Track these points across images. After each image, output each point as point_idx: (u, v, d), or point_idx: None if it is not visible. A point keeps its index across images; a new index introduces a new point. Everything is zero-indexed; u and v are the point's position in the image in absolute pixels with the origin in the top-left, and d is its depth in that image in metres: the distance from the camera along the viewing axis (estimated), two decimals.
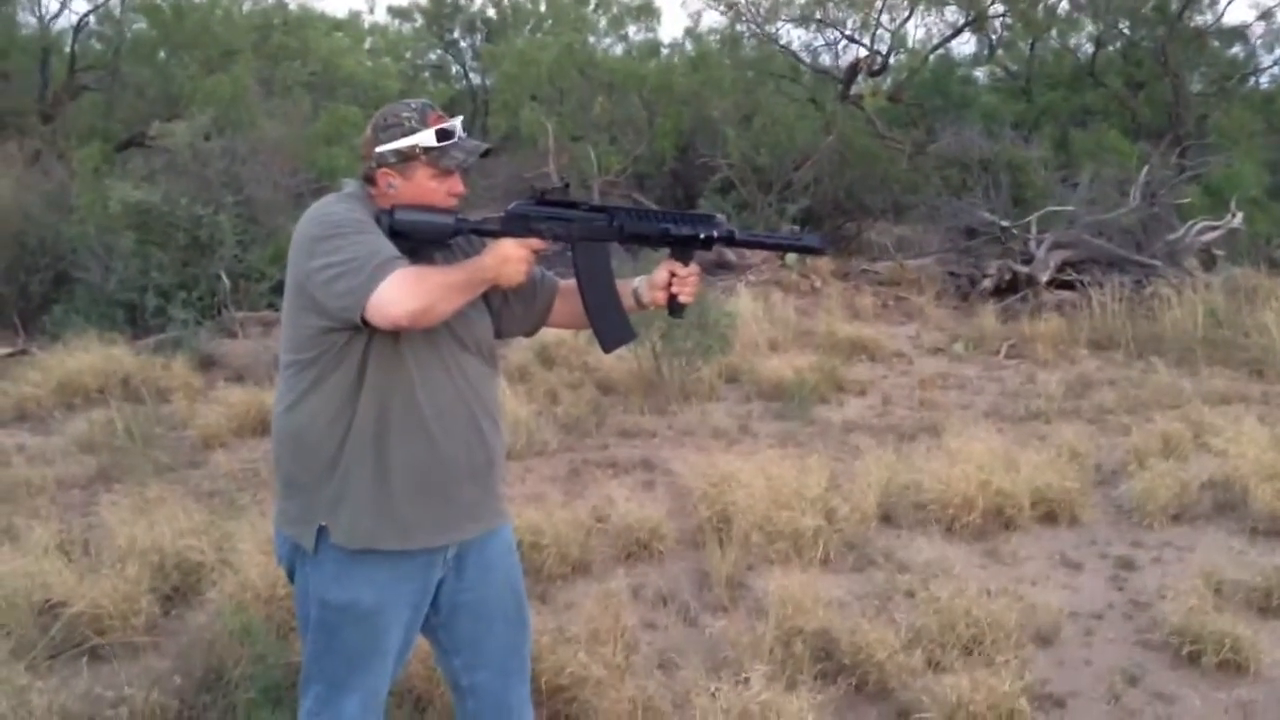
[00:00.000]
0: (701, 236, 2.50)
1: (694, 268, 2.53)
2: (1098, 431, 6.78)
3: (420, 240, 2.35)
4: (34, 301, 10.08)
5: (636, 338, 2.62)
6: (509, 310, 2.62)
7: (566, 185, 2.53)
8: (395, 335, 2.27)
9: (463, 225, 2.38)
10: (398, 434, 2.33)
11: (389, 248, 2.25)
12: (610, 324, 2.53)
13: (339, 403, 2.32)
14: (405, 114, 2.38)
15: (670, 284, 2.53)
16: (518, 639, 2.64)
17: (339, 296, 2.20)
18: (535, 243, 2.37)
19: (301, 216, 2.37)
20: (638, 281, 2.60)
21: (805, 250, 2.86)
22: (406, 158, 2.36)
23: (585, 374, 8.16)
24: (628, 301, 2.57)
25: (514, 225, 2.37)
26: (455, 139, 2.37)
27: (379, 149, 2.37)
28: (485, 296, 2.48)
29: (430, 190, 2.38)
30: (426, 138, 2.35)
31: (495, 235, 2.36)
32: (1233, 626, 3.91)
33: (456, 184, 2.42)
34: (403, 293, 2.16)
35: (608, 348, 2.57)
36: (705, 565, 4.63)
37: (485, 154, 2.45)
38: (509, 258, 2.31)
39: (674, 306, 2.56)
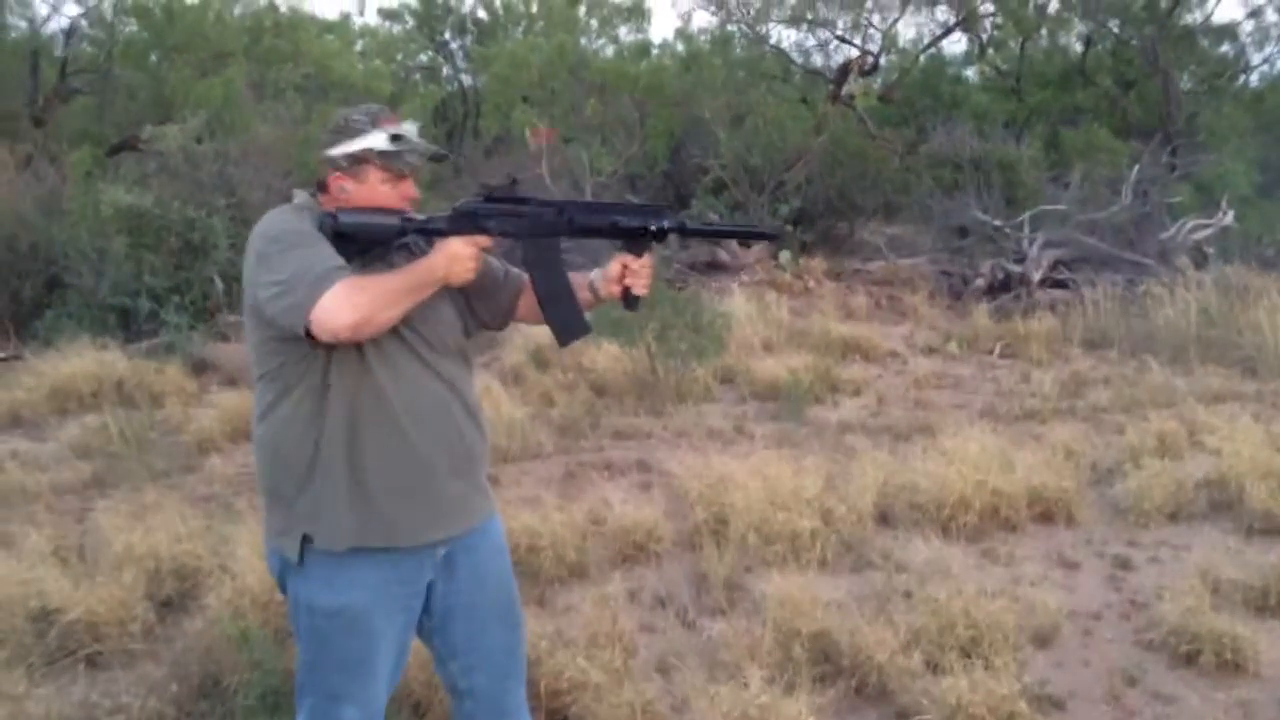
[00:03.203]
0: (651, 228, 2.48)
1: (646, 260, 2.51)
2: (1092, 430, 6.79)
3: (367, 241, 2.34)
4: (26, 306, 10.04)
5: (592, 331, 2.61)
6: (475, 307, 2.61)
7: (514, 181, 2.51)
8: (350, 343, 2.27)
9: (409, 225, 2.37)
10: (370, 437, 2.33)
11: (328, 259, 2.24)
12: (564, 318, 2.52)
13: (308, 410, 2.32)
14: (356, 117, 2.38)
15: (624, 276, 2.52)
16: (512, 640, 2.63)
17: (283, 314, 2.21)
18: (483, 240, 2.36)
19: (251, 233, 2.36)
20: (594, 274, 2.59)
21: (759, 237, 2.87)
22: (358, 161, 2.36)
23: (580, 375, 8.15)
24: (584, 294, 2.57)
25: (461, 223, 2.36)
26: (407, 142, 2.37)
27: (330, 153, 2.37)
28: (451, 294, 2.47)
29: (383, 194, 2.38)
30: (378, 140, 2.35)
31: (443, 234, 2.35)
32: (1230, 626, 3.91)
33: (409, 188, 2.42)
34: (340, 306, 2.16)
35: (563, 341, 2.55)
36: (702, 567, 4.62)
37: (440, 159, 2.45)
38: (457, 255, 2.31)
39: (628, 299, 2.54)
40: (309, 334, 2.19)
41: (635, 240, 2.50)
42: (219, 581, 4.10)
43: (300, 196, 2.44)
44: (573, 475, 6.00)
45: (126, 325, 9.46)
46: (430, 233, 2.38)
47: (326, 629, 2.38)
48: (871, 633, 3.81)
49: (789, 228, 13.36)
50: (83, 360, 7.93)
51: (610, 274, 2.53)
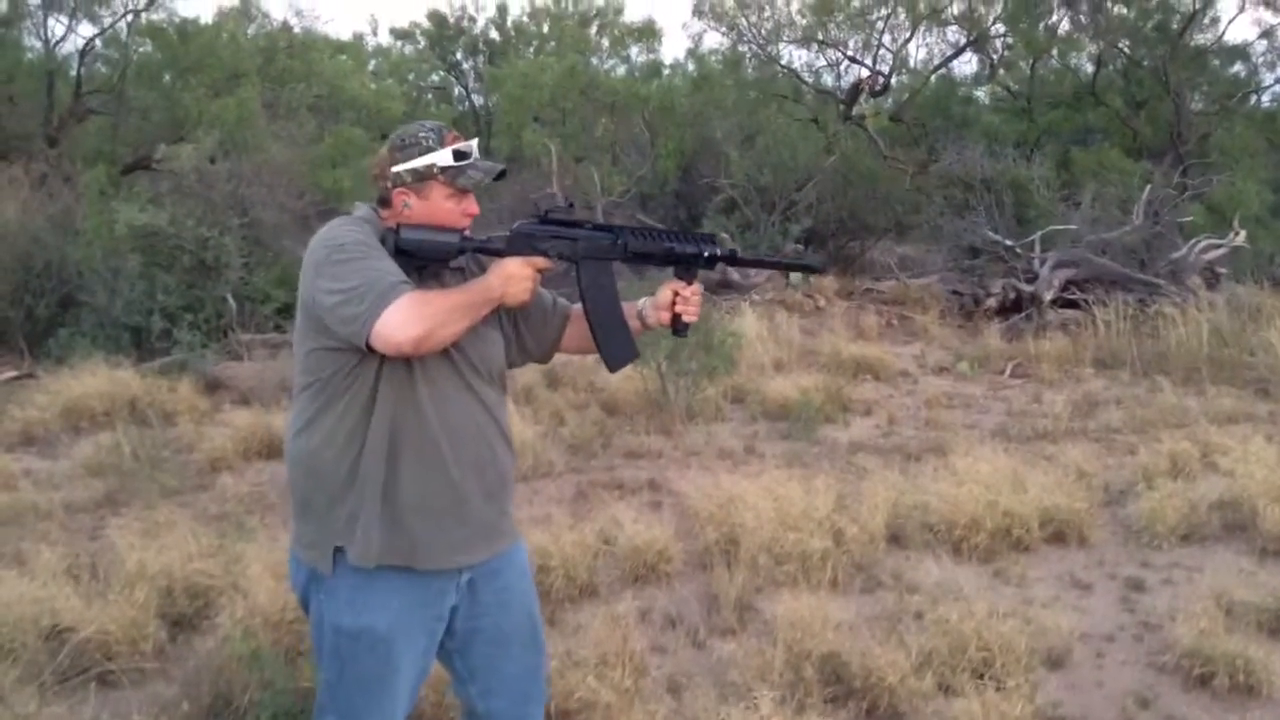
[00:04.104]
0: (705, 255, 2.51)
1: (697, 286, 2.54)
2: (1104, 451, 6.77)
3: (425, 258, 2.36)
4: (40, 325, 10.07)
5: (640, 356, 2.62)
6: (523, 336, 2.63)
7: (571, 205, 2.54)
8: (407, 357, 2.28)
9: (467, 244, 2.39)
10: (409, 454, 2.34)
11: (393, 272, 2.26)
12: (616, 343, 2.53)
13: (352, 423, 2.33)
14: (422, 134, 2.40)
15: (674, 303, 2.54)
16: (534, 663, 2.63)
17: (345, 323, 2.22)
18: (540, 261, 2.38)
19: (311, 239, 2.38)
20: (642, 302, 2.61)
21: (806, 269, 2.90)
22: (423, 177, 2.38)
23: (591, 395, 8.16)
24: (632, 322, 2.59)
25: (519, 244, 2.39)
26: (471, 159, 2.39)
27: (396, 168, 2.39)
28: (499, 322, 2.49)
29: (446, 210, 2.40)
30: (444, 157, 2.37)
31: (500, 254, 2.38)
32: (1244, 648, 3.89)
33: (471, 204, 2.44)
34: (405, 319, 2.18)
35: (613, 367, 2.57)
36: (713, 587, 4.62)
37: (500, 175, 2.46)
38: (514, 276, 2.33)
39: (678, 326, 2.56)
40: (368, 345, 2.21)
41: (687, 267, 2.53)
42: (231, 600, 4.11)
43: (362, 209, 2.46)
44: (584, 494, 6.00)
45: (139, 344, 9.49)
46: (488, 252, 2.40)
47: (349, 648, 2.39)
48: (883, 654, 3.80)
49: (799, 246, 13.38)
50: (95, 379, 7.96)
51: (661, 301, 2.55)
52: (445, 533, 2.39)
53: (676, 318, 2.55)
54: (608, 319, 2.52)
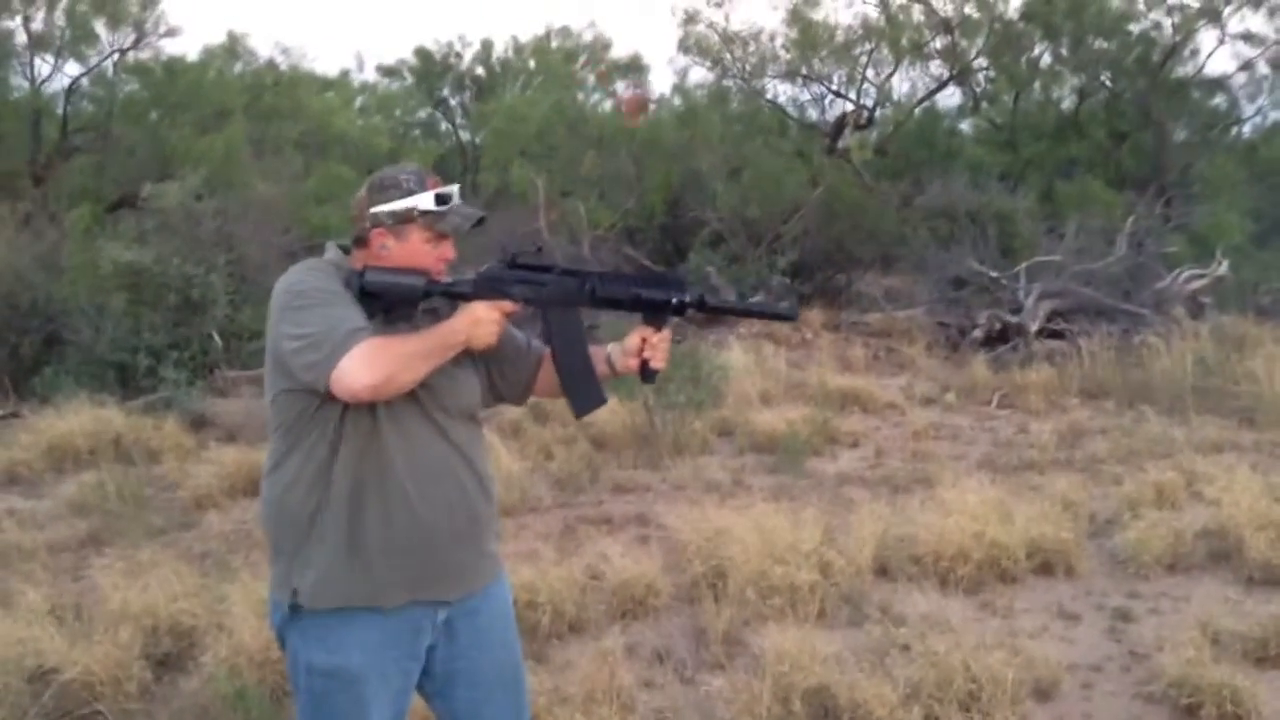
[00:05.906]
0: (674, 302, 2.48)
1: (666, 334, 2.51)
2: (1091, 481, 6.77)
3: (392, 301, 2.35)
4: (24, 363, 10.05)
5: (607, 402, 2.60)
6: (494, 378, 2.60)
7: (539, 249, 2.53)
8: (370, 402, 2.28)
9: (434, 287, 2.37)
10: (373, 497, 2.32)
11: (353, 319, 2.24)
12: (583, 389, 2.51)
13: (316, 466, 2.32)
14: (403, 176, 2.38)
15: (642, 350, 2.51)
16: (517, 706, 2.59)
17: (305, 369, 2.22)
18: (507, 305, 2.37)
19: (276, 283, 2.37)
20: (611, 347, 2.58)
21: (777, 317, 2.86)
22: (403, 219, 2.36)
23: (578, 429, 8.14)
24: (600, 367, 2.56)
25: (485, 288, 2.37)
26: (452, 204, 2.39)
27: (375, 210, 2.37)
28: (474, 363, 2.48)
29: (423, 254, 2.38)
30: (425, 200, 2.36)
31: (467, 298, 2.36)
32: (1231, 678, 3.88)
33: (449, 249, 2.43)
34: (362, 366, 2.17)
35: (579, 413, 2.55)
36: (701, 621, 4.60)
37: (479, 222, 2.45)
38: (480, 320, 2.31)
39: (646, 372, 2.52)
40: (329, 392, 2.21)
41: (656, 314, 2.50)
42: (215, 640, 4.08)
43: (331, 251, 2.45)
44: (571, 529, 5.99)
45: (125, 382, 9.47)
46: (455, 296, 2.38)
47: (321, 687, 2.36)
48: (870, 687, 3.78)
49: (785, 279, 13.43)
50: (80, 417, 7.93)
51: (629, 347, 2.52)
52: (408, 572, 2.36)
53: (645, 364, 2.51)
54: (575, 365, 2.50)
